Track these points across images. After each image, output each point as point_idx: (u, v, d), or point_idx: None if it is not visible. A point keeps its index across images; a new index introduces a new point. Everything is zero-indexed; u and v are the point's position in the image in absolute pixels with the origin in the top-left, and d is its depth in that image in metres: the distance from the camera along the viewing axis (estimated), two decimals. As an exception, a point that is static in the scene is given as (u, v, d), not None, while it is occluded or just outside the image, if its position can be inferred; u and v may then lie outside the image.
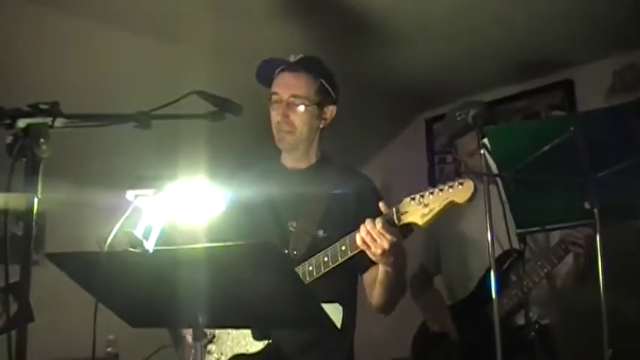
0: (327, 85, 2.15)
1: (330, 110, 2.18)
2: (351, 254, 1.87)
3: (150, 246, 1.39)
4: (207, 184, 1.54)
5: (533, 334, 2.59)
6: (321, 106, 2.14)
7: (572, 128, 1.94)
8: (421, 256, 3.13)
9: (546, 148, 1.95)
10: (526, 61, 3.66)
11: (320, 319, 1.45)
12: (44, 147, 1.22)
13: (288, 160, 2.21)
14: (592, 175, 1.94)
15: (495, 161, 2.09)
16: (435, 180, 4.38)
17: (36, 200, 1.21)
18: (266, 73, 2.18)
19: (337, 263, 1.90)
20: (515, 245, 2.43)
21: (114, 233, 1.36)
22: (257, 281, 1.41)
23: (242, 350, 2.01)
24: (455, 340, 2.76)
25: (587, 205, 1.95)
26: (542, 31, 3.29)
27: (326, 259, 1.91)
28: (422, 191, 1.77)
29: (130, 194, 1.45)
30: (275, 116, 2.13)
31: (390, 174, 4.23)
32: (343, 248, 1.88)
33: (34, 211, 1.21)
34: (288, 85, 2.11)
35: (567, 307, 2.87)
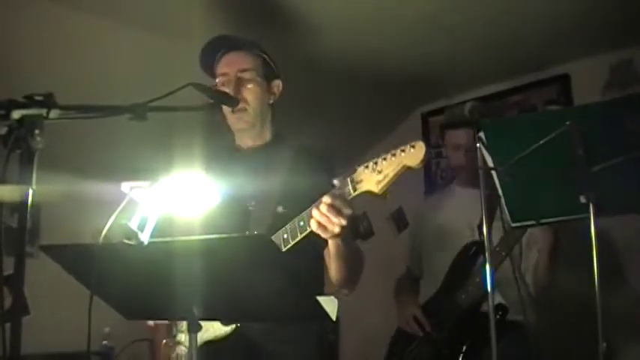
0: (268, 60, 2.18)
1: (277, 85, 2.19)
2: (310, 229, 1.82)
3: (145, 238, 1.39)
4: (202, 177, 1.54)
5: (498, 316, 2.56)
6: (268, 79, 2.16)
7: (567, 122, 1.94)
8: (407, 259, 3.15)
9: (542, 141, 1.96)
10: (523, 55, 3.65)
11: (316, 312, 1.45)
12: (39, 138, 1.22)
13: (243, 141, 2.20)
14: (587, 168, 1.95)
15: (491, 155, 2.09)
16: (431, 174, 4.38)
17: (31, 192, 1.21)
18: (208, 62, 2.17)
19: (297, 240, 1.85)
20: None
21: (109, 225, 1.36)
22: (251, 274, 1.41)
23: (211, 337, 1.99)
24: (422, 336, 2.76)
25: (582, 199, 1.95)
26: (539, 25, 3.29)
27: (285, 236, 1.87)
28: (375, 158, 1.72)
29: (125, 186, 1.45)
30: None
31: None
32: (301, 224, 1.83)
33: (29, 202, 1.21)
34: (235, 62, 2.12)
35: (543, 305, 2.85)
